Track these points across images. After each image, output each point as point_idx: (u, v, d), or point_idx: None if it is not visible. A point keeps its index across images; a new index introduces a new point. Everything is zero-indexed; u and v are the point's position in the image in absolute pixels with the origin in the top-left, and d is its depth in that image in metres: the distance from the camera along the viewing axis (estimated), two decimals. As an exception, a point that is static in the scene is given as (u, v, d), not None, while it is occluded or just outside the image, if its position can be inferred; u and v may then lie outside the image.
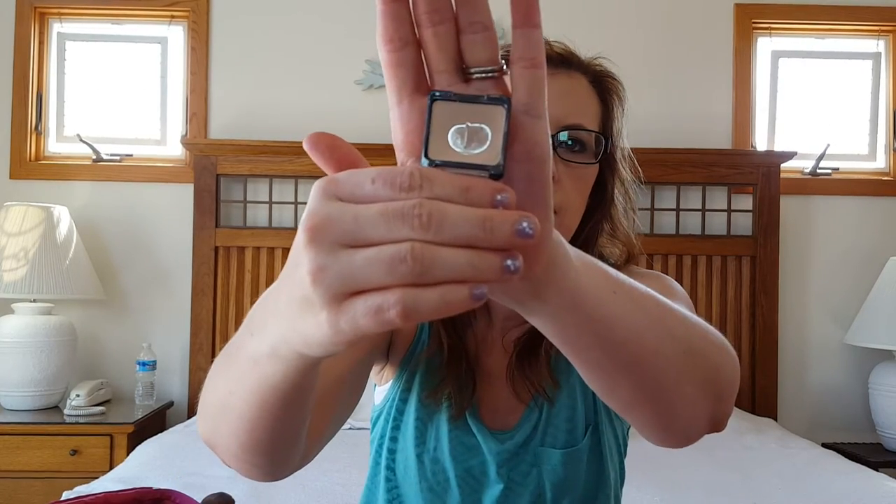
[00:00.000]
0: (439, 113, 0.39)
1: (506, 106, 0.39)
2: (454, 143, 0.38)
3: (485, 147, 0.38)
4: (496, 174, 0.38)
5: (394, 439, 0.86)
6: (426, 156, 0.38)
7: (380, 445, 0.88)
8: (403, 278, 0.35)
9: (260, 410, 0.53)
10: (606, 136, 0.84)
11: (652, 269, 2.76)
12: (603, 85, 0.86)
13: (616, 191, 0.87)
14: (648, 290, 0.55)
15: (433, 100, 0.39)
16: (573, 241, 0.84)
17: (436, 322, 0.83)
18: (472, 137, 0.38)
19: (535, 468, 0.84)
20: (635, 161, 0.90)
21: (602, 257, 0.87)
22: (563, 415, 0.85)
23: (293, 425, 0.57)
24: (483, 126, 0.38)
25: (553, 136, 0.78)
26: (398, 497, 0.87)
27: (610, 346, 0.51)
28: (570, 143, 0.80)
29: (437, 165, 0.38)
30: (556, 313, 0.48)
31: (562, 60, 0.84)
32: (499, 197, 0.36)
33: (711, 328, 0.63)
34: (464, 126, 0.38)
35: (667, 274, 2.80)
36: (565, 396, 0.86)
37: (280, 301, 0.42)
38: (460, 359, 0.83)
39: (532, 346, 0.85)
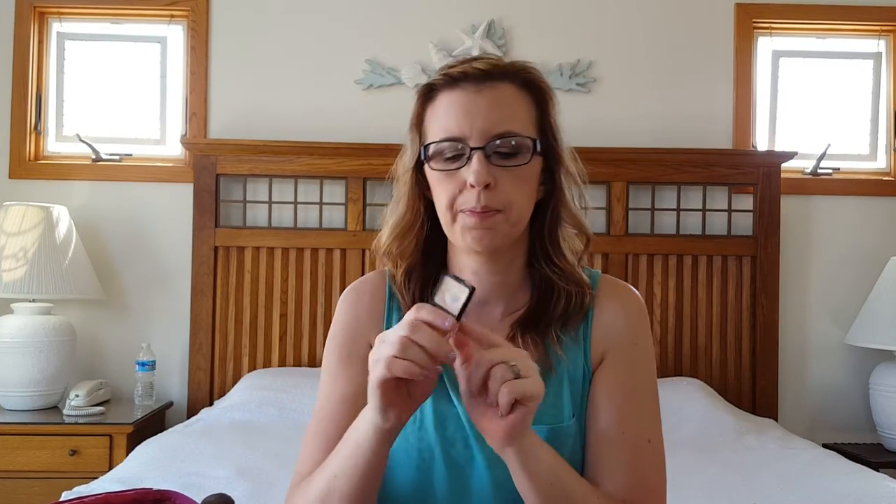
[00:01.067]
0: (446, 283, 0.79)
1: (469, 291, 0.77)
2: (443, 298, 0.78)
3: (458, 304, 0.77)
4: (455, 317, 0.77)
5: None
6: (431, 300, 0.79)
7: None
8: (392, 353, 0.75)
9: (363, 482, 0.84)
10: (543, 132, 0.94)
11: (652, 269, 2.78)
12: (531, 87, 0.94)
13: (563, 178, 0.96)
14: (585, 492, 0.85)
15: (447, 275, 0.80)
16: (532, 231, 0.96)
17: (406, 300, 1.00)
18: (453, 298, 0.77)
19: None
20: (576, 156, 0.99)
21: (562, 255, 0.98)
22: (549, 399, 0.91)
23: (376, 491, 0.87)
24: (458, 296, 0.77)
25: (484, 147, 0.89)
26: (390, 479, 0.93)
27: None
28: (502, 150, 0.89)
29: (435, 305, 0.78)
30: (512, 463, 0.81)
31: (486, 75, 0.91)
32: (445, 324, 0.76)
33: None
34: (447, 292, 0.78)
35: (667, 274, 2.80)
36: (554, 383, 0.93)
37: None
38: None
39: (531, 327, 0.95)
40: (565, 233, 0.98)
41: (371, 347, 0.95)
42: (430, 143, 0.92)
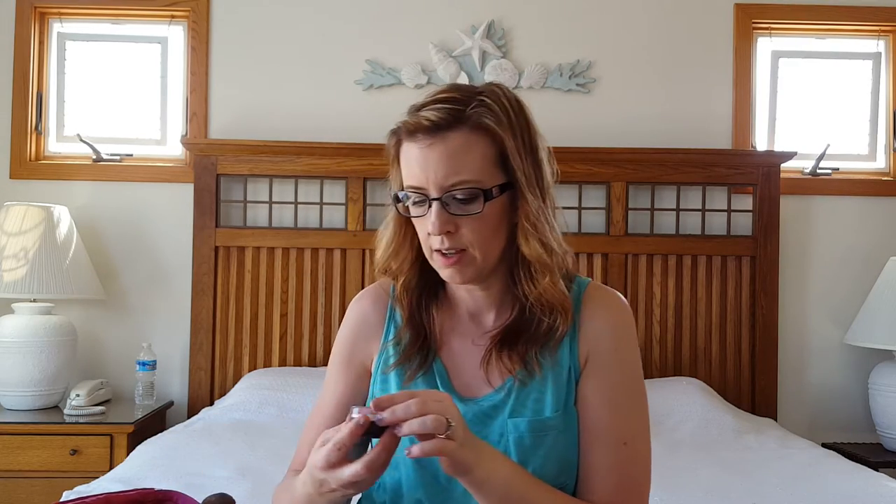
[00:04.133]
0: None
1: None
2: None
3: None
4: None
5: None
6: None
7: None
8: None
9: None
10: (507, 167, 0.94)
11: (651, 269, 2.78)
12: (482, 124, 0.93)
13: (531, 204, 0.95)
14: None
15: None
16: (511, 253, 0.99)
17: (403, 312, 1.05)
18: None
19: (503, 437, 0.95)
20: (553, 160, 1.01)
21: (540, 276, 0.99)
22: (533, 395, 0.97)
23: None
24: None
25: (440, 198, 0.92)
26: (394, 474, 0.98)
27: None
28: (457, 199, 0.93)
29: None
30: (468, 486, 0.86)
31: (437, 128, 0.93)
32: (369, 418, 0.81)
33: None
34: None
35: (666, 274, 2.81)
36: (537, 382, 0.98)
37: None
38: (417, 338, 1.02)
39: (510, 337, 0.99)
40: (543, 249, 0.98)
41: (370, 357, 1.07)
42: (398, 192, 0.98)
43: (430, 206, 0.94)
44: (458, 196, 0.93)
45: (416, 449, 0.78)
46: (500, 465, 0.87)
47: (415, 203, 0.96)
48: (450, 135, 0.93)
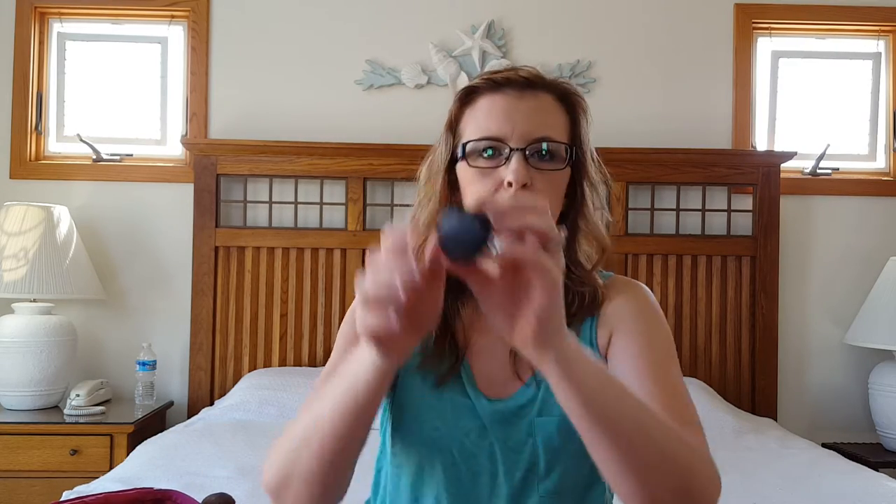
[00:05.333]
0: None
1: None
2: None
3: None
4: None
5: (397, 418, 0.95)
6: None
7: (383, 427, 0.99)
8: (360, 312, 0.70)
9: (350, 420, 0.78)
10: (574, 144, 0.96)
11: (651, 269, 2.78)
12: (568, 101, 0.98)
13: (587, 190, 0.99)
14: (637, 398, 0.76)
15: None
16: None
17: None
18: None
19: (531, 437, 0.91)
20: (601, 163, 1.02)
21: (578, 263, 0.99)
22: None
23: (360, 445, 0.82)
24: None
25: (524, 148, 0.91)
26: (405, 473, 0.95)
27: (592, 424, 0.72)
28: (540, 153, 0.92)
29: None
30: (552, 372, 0.70)
31: (529, 84, 0.95)
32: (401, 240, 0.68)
33: (691, 439, 0.81)
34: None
35: (666, 274, 2.81)
36: None
37: None
38: (445, 336, 0.96)
39: None
40: (582, 242, 1.00)
41: None
42: (469, 141, 0.94)
43: (507, 159, 0.91)
44: (539, 152, 0.92)
45: (515, 248, 0.65)
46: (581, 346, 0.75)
47: (485, 157, 0.93)
48: (540, 94, 0.95)
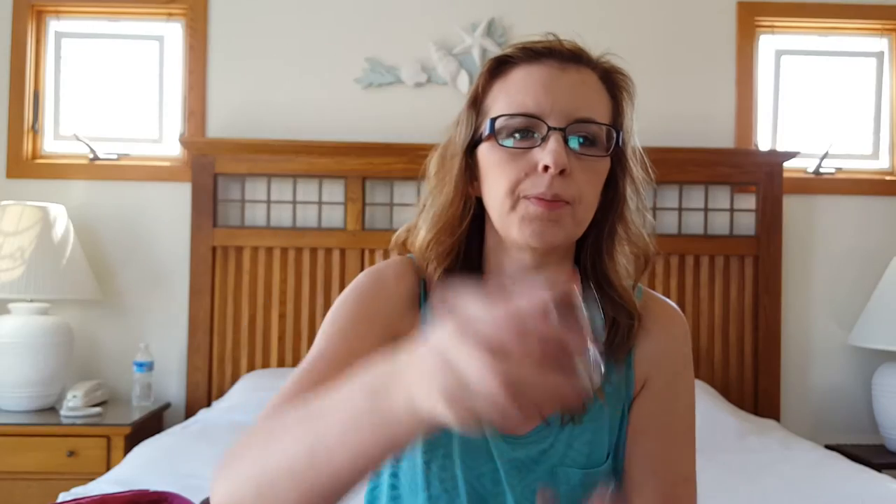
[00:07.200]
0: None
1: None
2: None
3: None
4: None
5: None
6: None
7: None
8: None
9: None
10: (617, 130, 0.84)
11: (653, 269, 2.76)
12: (612, 81, 0.86)
13: (628, 188, 0.88)
14: None
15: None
16: (586, 236, 0.86)
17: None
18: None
19: (549, 485, 0.83)
20: (647, 159, 0.91)
21: (612, 279, 0.87)
22: (586, 437, 0.85)
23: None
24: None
25: (564, 129, 0.79)
26: (404, 499, 0.85)
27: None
28: (581, 136, 0.81)
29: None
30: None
31: (572, 57, 0.83)
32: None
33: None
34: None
35: (669, 274, 2.79)
36: (591, 419, 0.85)
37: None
38: None
39: None
40: (618, 252, 0.88)
41: (402, 329, 0.81)
42: (500, 116, 0.80)
43: (544, 139, 0.78)
44: (581, 135, 0.80)
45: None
46: None
47: (519, 136, 0.80)
48: (584, 69, 0.83)
